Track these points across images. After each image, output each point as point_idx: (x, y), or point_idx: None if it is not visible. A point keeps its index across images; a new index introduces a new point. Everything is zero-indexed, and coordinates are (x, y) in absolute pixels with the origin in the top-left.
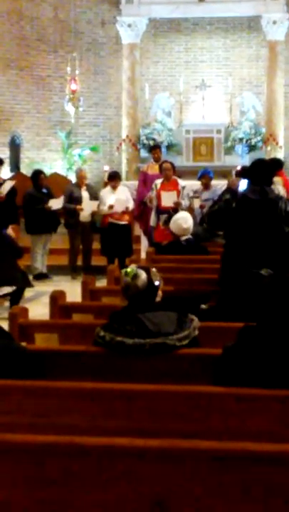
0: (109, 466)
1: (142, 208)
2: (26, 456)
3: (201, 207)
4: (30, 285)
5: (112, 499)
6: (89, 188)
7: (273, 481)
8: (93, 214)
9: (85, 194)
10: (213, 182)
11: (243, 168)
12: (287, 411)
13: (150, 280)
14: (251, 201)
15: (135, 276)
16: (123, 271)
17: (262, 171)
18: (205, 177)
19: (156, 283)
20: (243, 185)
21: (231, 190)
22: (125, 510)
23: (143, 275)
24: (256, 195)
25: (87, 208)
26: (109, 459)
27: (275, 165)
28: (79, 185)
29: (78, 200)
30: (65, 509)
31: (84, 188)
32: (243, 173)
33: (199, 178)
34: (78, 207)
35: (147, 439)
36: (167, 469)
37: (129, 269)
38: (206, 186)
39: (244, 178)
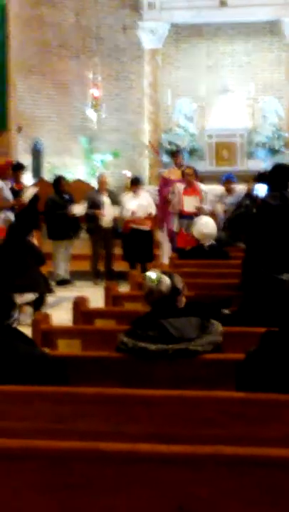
0: (131, 472)
1: (166, 208)
2: (48, 461)
3: (225, 212)
4: (51, 291)
5: (134, 504)
6: (110, 194)
7: None
8: (115, 219)
9: (106, 200)
10: (238, 187)
11: (262, 174)
12: None
13: (174, 285)
14: (272, 207)
15: (159, 281)
16: (147, 276)
17: (281, 176)
18: (229, 181)
19: (180, 288)
20: (260, 189)
21: (250, 195)
22: None
23: (167, 280)
24: (276, 201)
25: (108, 213)
26: (132, 465)
27: None
28: (100, 190)
29: (99, 206)
30: None
31: (105, 193)
32: (262, 178)
33: (223, 183)
34: (100, 212)
35: (170, 445)
36: (190, 475)
37: (153, 274)
38: (230, 191)
39: (263, 183)
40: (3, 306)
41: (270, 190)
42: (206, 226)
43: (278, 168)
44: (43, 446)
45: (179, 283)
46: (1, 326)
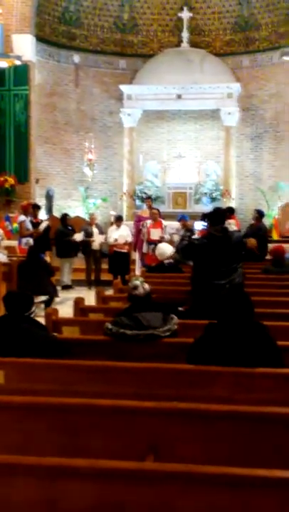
0: (116, 420)
1: (138, 236)
2: (58, 413)
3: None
4: (57, 295)
5: (112, 444)
6: (98, 226)
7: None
8: (101, 244)
9: (95, 230)
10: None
11: (205, 214)
12: (238, 382)
13: (149, 290)
14: (217, 237)
15: (142, 282)
16: (134, 277)
17: (219, 215)
18: (182, 221)
19: (150, 292)
20: (197, 225)
21: (189, 229)
22: (126, 453)
23: (146, 285)
24: (219, 233)
25: (97, 240)
26: (115, 414)
27: (230, 211)
28: (91, 224)
29: (91, 235)
30: (79, 452)
31: (94, 225)
32: (204, 217)
33: (179, 220)
34: (91, 239)
35: (142, 401)
36: (157, 422)
37: (140, 278)
38: (184, 226)
39: (204, 220)
40: (25, 303)
41: (211, 225)
42: (158, 248)
43: (217, 210)
44: (55, 402)
45: (149, 289)
46: (24, 316)
